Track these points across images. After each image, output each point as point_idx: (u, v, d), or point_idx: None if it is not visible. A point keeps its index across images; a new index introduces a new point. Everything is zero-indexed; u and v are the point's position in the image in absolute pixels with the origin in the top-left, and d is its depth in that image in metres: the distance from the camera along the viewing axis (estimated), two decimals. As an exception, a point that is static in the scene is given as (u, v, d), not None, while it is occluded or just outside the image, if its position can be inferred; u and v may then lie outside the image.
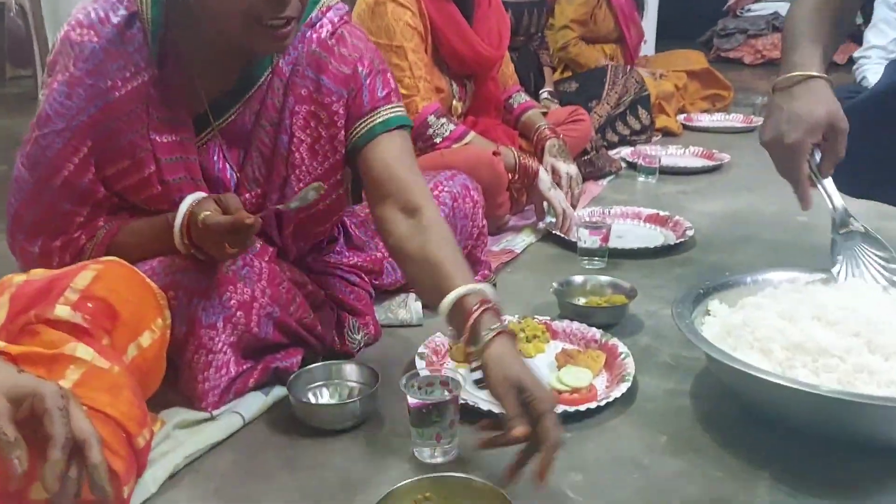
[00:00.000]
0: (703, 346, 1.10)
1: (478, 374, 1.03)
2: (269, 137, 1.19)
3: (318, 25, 1.19)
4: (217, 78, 1.16)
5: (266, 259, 1.19)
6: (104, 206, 1.15)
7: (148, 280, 1.03)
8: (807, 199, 1.24)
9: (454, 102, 2.03)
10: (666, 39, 4.91)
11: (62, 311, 0.90)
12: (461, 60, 1.98)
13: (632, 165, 2.63)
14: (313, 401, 1.16)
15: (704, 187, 2.47)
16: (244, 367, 1.16)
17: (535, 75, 2.87)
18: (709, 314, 1.26)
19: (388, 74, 1.24)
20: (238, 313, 1.12)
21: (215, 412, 1.12)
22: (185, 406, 1.13)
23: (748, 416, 1.13)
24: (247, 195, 1.20)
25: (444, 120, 1.88)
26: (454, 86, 2.03)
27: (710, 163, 2.69)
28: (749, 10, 5.61)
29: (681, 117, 3.37)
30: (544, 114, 2.27)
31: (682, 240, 1.88)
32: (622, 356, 1.27)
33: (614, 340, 1.32)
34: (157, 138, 1.12)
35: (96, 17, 1.08)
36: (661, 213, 2.05)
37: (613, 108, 2.90)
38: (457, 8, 1.96)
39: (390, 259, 1.48)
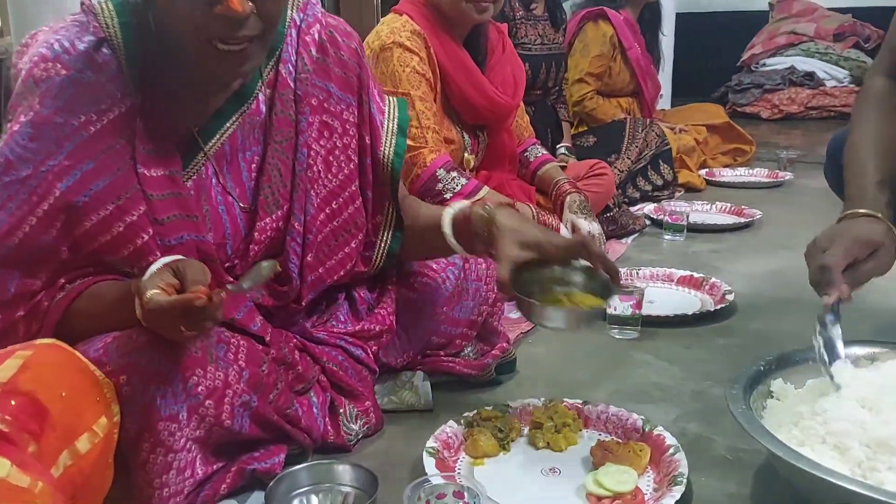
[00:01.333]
0: (765, 440, 0.90)
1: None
2: (287, 153, 1.08)
3: (304, 26, 1.10)
4: (203, 99, 1.02)
5: (254, 328, 1.01)
6: (67, 270, 0.97)
7: (91, 367, 0.84)
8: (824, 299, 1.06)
9: (466, 155, 1.87)
10: (680, 95, 4.82)
11: (-27, 412, 0.71)
12: (473, 109, 1.82)
13: (656, 223, 2.46)
14: (298, 512, 0.95)
15: (737, 245, 2.28)
16: (214, 468, 0.96)
17: (552, 131, 2.71)
18: (771, 397, 1.06)
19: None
20: (207, 402, 0.93)
21: (176, 527, 0.91)
22: (140, 519, 0.92)
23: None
24: (266, 220, 1.07)
25: (454, 174, 1.71)
26: (466, 137, 1.87)
27: (741, 219, 2.51)
28: (764, 65, 5.51)
29: (702, 172, 3.21)
30: (563, 168, 2.09)
31: (723, 305, 1.68)
32: (671, 451, 1.06)
33: (660, 430, 1.11)
34: (146, 172, 0.97)
35: (60, 47, 0.94)
36: (696, 275, 1.86)
37: (634, 163, 2.74)
38: (468, 54, 1.81)
39: (396, 323, 1.29)
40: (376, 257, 1.22)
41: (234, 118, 1.05)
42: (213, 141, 1.04)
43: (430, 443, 1.09)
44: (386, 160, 1.16)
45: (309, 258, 1.11)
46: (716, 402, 1.26)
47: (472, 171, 1.89)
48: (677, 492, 0.97)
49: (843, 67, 5.19)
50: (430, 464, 1.03)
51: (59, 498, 0.72)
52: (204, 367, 0.94)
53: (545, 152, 2.11)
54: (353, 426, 1.14)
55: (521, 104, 2.06)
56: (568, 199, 1.93)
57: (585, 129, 3.05)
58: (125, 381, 0.88)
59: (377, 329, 1.23)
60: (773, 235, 2.37)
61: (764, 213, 2.54)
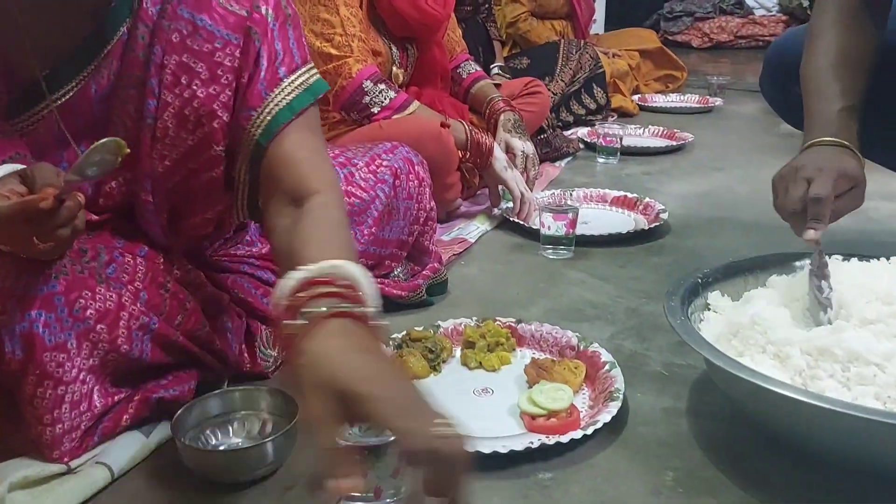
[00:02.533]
0: (704, 350, 0.86)
1: None
2: (134, 103, 0.87)
3: None
4: (53, 35, 0.84)
5: (140, 254, 0.90)
6: None
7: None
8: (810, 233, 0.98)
9: (394, 69, 1.75)
10: (613, 22, 4.76)
11: None
12: (401, 20, 1.70)
13: (590, 146, 2.42)
14: (210, 443, 0.87)
15: (670, 168, 2.26)
16: (115, 398, 0.86)
17: (483, 49, 2.61)
18: (708, 309, 1.03)
19: (300, 23, 0.93)
20: (98, 326, 0.82)
21: (73, 463, 0.82)
22: (33, 456, 0.82)
23: (766, 440, 0.90)
24: (113, 183, 0.90)
25: (382, 86, 1.60)
26: (394, 50, 1.75)
27: (673, 143, 2.49)
28: (696, -7, 5.49)
29: (635, 97, 3.18)
30: (497, 86, 2.00)
31: (656, 224, 1.65)
32: (607, 367, 1.02)
33: (595, 347, 1.07)
34: None
35: None
36: (629, 196, 1.83)
37: (568, 86, 2.67)
38: (396, -42, 1.68)
39: None
40: (236, 219, 0.99)
41: (93, 63, 0.86)
42: (63, 90, 0.85)
43: (356, 365, 1.02)
44: (264, 112, 0.86)
45: (163, 223, 0.94)
46: (651, 319, 1.23)
47: (401, 87, 1.77)
48: (613, 407, 0.93)
49: (772, -4, 5.21)
50: (355, 387, 0.97)
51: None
52: (92, 289, 0.83)
53: (479, 69, 2.01)
54: (271, 352, 1.05)
55: (453, 17, 1.95)
56: (502, 117, 1.84)
57: (518, 50, 2.97)
58: (1, 310, 0.77)
59: None
60: (704, 158, 2.36)
61: (695, 136, 2.54)
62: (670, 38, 5.31)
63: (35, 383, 0.79)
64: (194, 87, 0.85)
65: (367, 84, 1.58)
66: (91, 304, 0.82)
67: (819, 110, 1.08)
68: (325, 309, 0.62)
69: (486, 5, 2.64)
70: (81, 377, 0.82)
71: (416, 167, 1.30)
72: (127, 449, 0.85)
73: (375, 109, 1.58)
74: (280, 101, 0.86)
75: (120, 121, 0.88)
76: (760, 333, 0.89)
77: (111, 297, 0.84)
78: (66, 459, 0.82)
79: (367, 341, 0.62)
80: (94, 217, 0.90)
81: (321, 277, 0.65)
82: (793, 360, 0.84)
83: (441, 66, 1.88)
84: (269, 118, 0.86)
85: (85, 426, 0.83)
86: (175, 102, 0.86)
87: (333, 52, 1.56)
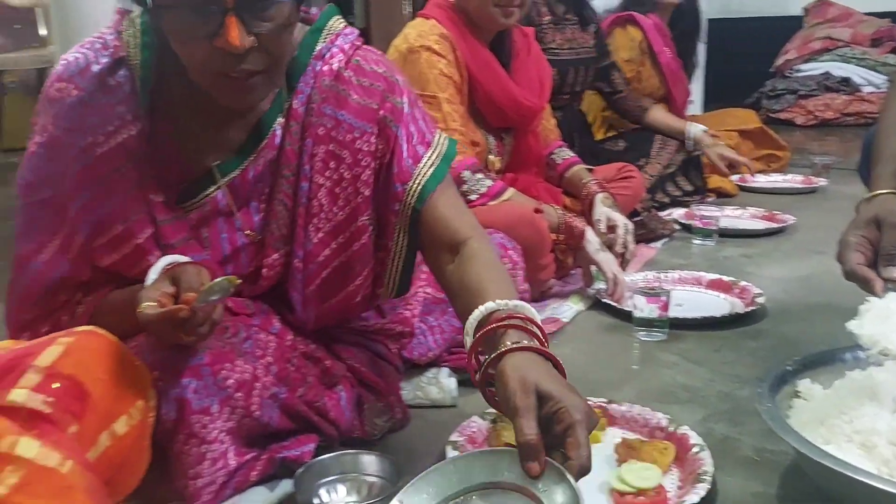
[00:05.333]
0: (790, 437, 0.90)
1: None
2: (291, 187, 1.04)
3: (327, 56, 1.04)
4: (219, 134, 1.02)
5: (273, 331, 1.03)
6: (86, 287, 1.01)
7: (129, 353, 0.87)
8: (873, 287, 1.04)
9: (491, 157, 1.88)
10: (712, 101, 4.78)
11: (18, 395, 0.74)
12: (499, 112, 1.84)
13: (686, 228, 2.44)
14: (324, 499, 0.97)
15: (770, 250, 2.25)
16: (246, 457, 0.98)
17: (579, 135, 2.71)
18: (798, 396, 1.05)
19: (419, 102, 1.13)
20: (237, 395, 0.95)
21: (210, 512, 0.94)
22: (177, 504, 0.95)
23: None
24: (274, 256, 1.05)
25: (480, 175, 1.72)
26: (491, 139, 1.88)
27: (774, 225, 2.48)
28: (798, 71, 5.44)
29: (735, 178, 3.17)
30: (590, 171, 2.09)
31: (752, 308, 1.67)
32: (696, 449, 1.06)
33: (685, 429, 1.11)
34: (154, 198, 0.98)
35: (76, 67, 0.96)
36: (725, 279, 1.85)
37: (664, 168, 2.73)
38: (494, 56, 1.82)
39: (422, 321, 1.31)
40: (386, 292, 1.14)
41: (252, 156, 1.03)
42: (229, 176, 1.02)
43: (454, 436, 1.10)
44: (415, 184, 1.04)
45: (309, 295, 1.07)
46: (743, 404, 1.26)
47: (497, 174, 1.90)
48: (702, 489, 0.97)
49: (880, 73, 5.09)
50: (453, 456, 1.05)
51: (90, 477, 0.74)
52: (233, 361, 0.96)
53: (573, 154, 2.11)
54: (378, 421, 1.16)
55: (548, 107, 2.07)
56: (599, 196, 1.93)
57: (615, 133, 3.04)
58: (158, 377, 0.91)
59: (399, 329, 1.25)
60: (806, 241, 2.34)
61: (797, 218, 2.50)
62: (773, 115, 5.27)
63: (183, 441, 0.92)
64: (341, 171, 1.04)
65: (466, 174, 1.71)
66: (231, 374, 0.95)
67: (877, 167, 1.14)
68: (524, 342, 0.82)
69: (582, 91, 2.75)
70: (220, 438, 0.94)
71: (509, 251, 1.40)
72: (254, 501, 0.97)
73: (473, 197, 1.70)
74: (426, 172, 1.06)
75: (279, 200, 1.04)
76: (846, 423, 0.92)
77: (248, 369, 0.97)
78: (204, 509, 0.94)
79: (549, 367, 0.81)
80: (245, 306, 1.06)
81: (508, 312, 0.85)
82: (878, 450, 0.87)
83: (536, 153, 1.99)
84: (419, 188, 1.05)
85: (221, 481, 0.95)
86: (326, 183, 1.04)
87: (437, 145, 1.70)
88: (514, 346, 0.81)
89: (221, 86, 0.91)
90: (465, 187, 1.70)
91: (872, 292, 1.01)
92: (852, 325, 0.98)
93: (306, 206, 1.04)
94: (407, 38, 1.78)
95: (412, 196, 1.04)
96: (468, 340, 0.88)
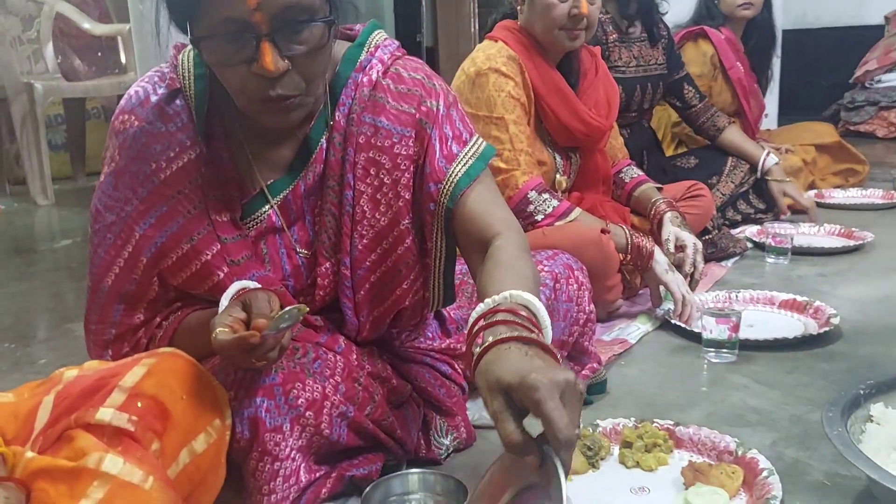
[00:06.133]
0: (860, 462, 0.88)
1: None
2: (336, 196, 1.07)
3: (367, 68, 1.08)
4: (270, 154, 1.08)
5: (338, 350, 1.07)
6: (161, 305, 1.07)
7: (207, 374, 0.92)
8: None
9: (558, 177, 1.89)
10: (788, 114, 4.65)
11: (105, 413, 0.80)
12: (567, 132, 1.85)
13: (759, 246, 2.39)
14: (392, 518, 1.00)
15: (846, 269, 2.18)
16: (316, 475, 1.02)
17: (647, 153, 2.69)
18: (871, 421, 1.03)
19: (460, 105, 1.14)
20: (307, 413, 0.99)
21: (282, 528, 0.98)
22: (250, 520, 0.99)
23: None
24: (326, 265, 1.09)
25: (546, 196, 1.73)
26: (558, 159, 1.89)
27: (851, 242, 2.40)
28: (879, 81, 5.24)
29: (811, 194, 3.09)
30: (659, 189, 2.08)
31: (827, 329, 1.63)
32: (765, 474, 1.05)
33: (754, 453, 1.10)
34: (216, 217, 1.04)
35: (136, 100, 1.04)
36: (799, 299, 1.81)
37: (737, 186, 2.67)
38: (562, 76, 1.84)
39: None
40: (433, 299, 1.15)
41: (301, 173, 1.07)
42: (280, 194, 1.07)
43: (520, 458, 1.11)
44: (447, 183, 1.05)
45: (359, 301, 1.09)
46: (816, 428, 1.22)
47: (564, 193, 1.90)
48: (770, 515, 0.95)
49: (966, 82, 4.87)
50: (519, 478, 1.06)
51: (170, 493, 0.79)
52: (303, 381, 1.00)
53: (640, 173, 2.10)
54: (444, 440, 1.18)
55: (615, 125, 2.07)
56: (668, 215, 1.91)
57: (686, 150, 3.00)
58: (233, 397, 0.96)
59: (463, 348, 1.27)
60: (884, 259, 2.26)
61: (876, 235, 2.42)
62: (852, 128, 5.09)
63: (257, 459, 0.96)
64: (381, 176, 1.06)
65: (532, 194, 1.72)
66: (302, 393, 0.99)
67: None
68: (504, 334, 0.78)
69: (651, 109, 2.73)
70: (292, 455, 0.98)
71: (575, 272, 1.40)
72: (324, 519, 1.00)
73: (539, 217, 1.72)
74: (459, 171, 1.06)
75: (327, 210, 1.08)
76: (922, 448, 0.90)
77: (317, 388, 1.01)
78: (277, 524, 0.98)
79: (531, 351, 0.76)
80: (309, 317, 1.09)
81: (497, 307, 0.83)
82: (954, 478, 0.84)
83: (603, 172, 1.99)
84: (452, 187, 1.05)
85: (293, 497, 0.99)
86: (368, 190, 1.06)
87: (503, 165, 1.73)
88: (483, 347, 0.78)
89: (260, 108, 0.95)
90: (531, 207, 1.72)
91: None
92: None
93: (350, 214, 1.06)
94: (475, 61, 1.82)
95: (445, 196, 1.05)
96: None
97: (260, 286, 0.99)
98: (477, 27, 5.54)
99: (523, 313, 0.82)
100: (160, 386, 0.85)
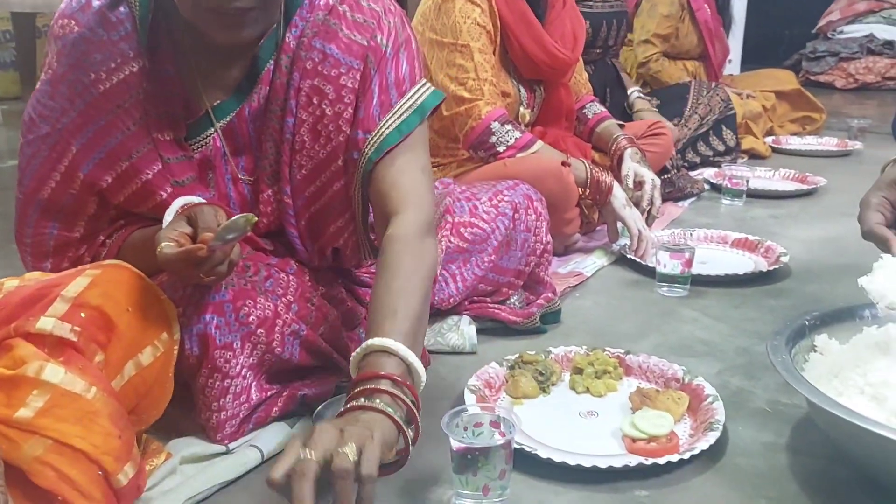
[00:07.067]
0: (802, 387, 0.90)
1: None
2: (278, 121, 1.02)
3: None
4: (218, 72, 1.02)
5: (290, 271, 1.05)
6: (102, 222, 1.03)
7: (155, 287, 0.90)
8: (890, 246, 1.04)
9: (521, 109, 1.87)
10: (751, 62, 4.67)
11: (46, 323, 0.77)
12: (532, 63, 1.82)
13: (716, 187, 2.43)
14: (343, 436, 1.00)
15: (797, 212, 2.23)
16: (268, 393, 1.01)
17: (611, 90, 2.68)
18: (814, 351, 1.06)
19: (413, 45, 1.06)
20: (258, 331, 0.97)
21: (231, 445, 0.97)
22: (200, 437, 0.98)
23: (862, 480, 0.92)
24: (268, 192, 1.05)
25: (509, 127, 1.71)
26: (522, 91, 1.86)
27: (804, 186, 2.45)
28: (841, 33, 5.29)
29: (769, 139, 3.13)
30: (621, 126, 2.08)
31: (776, 267, 1.66)
32: (709, 399, 1.07)
33: (700, 380, 1.12)
34: (159, 136, 0.99)
35: (77, 4, 0.98)
36: (751, 238, 1.84)
37: (697, 129, 2.69)
38: (529, 6, 1.80)
39: (445, 268, 1.32)
40: (362, 248, 1.11)
41: (249, 95, 1.02)
42: (226, 119, 1.03)
43: (472, 380, 1.12)
44: (377, 135, 0.99)
45: (302, 230, 1.07)
46: (761, 359, 1.26)
47: (527, 126, 1.88)
48: (712, 437, 0.98)
49: (927, 35, 4.93)
50: (470, 399, 1.07)
51: (114, 403, 0.77)
52: (254, 299, 0.98)
53: (603, 109, 2.09)
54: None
55: (580, 60, 2.05)
56: (628, 151, 1.91)
57: (649, 90, 3.00)
58: (182, 313, 0.93)
59: None
60: (835, 203, 2.31)
61: (828, 181, 2.48)
62: (812, 78, 5.14)
63: (207, 376, 0.95)
64: (324, 106, 1.00)
65: (495, 125, 1.70)
66: (253, 311, 0.97)
67: None
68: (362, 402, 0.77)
69: (615, 47, 2.71)
70: (243, 373, 0.97)
71: (534, 203, 1.40)
72: (275, 436, 1.00)
73: (501, 148, 1.70)
74: (392, 124, 1.00)
75: (268, 136, 1.03)
76: (860, 375, 0.92)
77: (269, 306, 0.99)
78: (226, 442, 0.97)
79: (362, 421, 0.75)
80: (258, 240, 1.07)
81: (373, 373, 0.80)
82: (889, 402, 0.87)
83: (567, 106, 1.97)
84: (380, 140, 0.99)
85: (243, 415, 0.98)
86: (309, 119, 1.01)
87: (466, 95, 1.70)
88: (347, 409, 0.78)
89: (213, 21, 0.89)
90: (493, 138, 1.70)
91: (889, 251, 1.01)
92: (863, 281, 0.99)
93: (290, 142, 1.01)
94: (442, -15, 1.76)
95: (371, 147, 0.99)
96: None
97: (205, 200, 0.96)
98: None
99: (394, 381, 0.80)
100: (105, 297, 0.82)
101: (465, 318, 1.35)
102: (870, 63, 5.08)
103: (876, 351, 0.96)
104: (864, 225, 1.07)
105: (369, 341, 0.82)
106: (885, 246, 1.04)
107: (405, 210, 0.96)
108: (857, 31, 5.20)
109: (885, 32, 5.07)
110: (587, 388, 1.16)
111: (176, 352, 0.90)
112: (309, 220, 1.07)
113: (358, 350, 0.83)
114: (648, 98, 2.59)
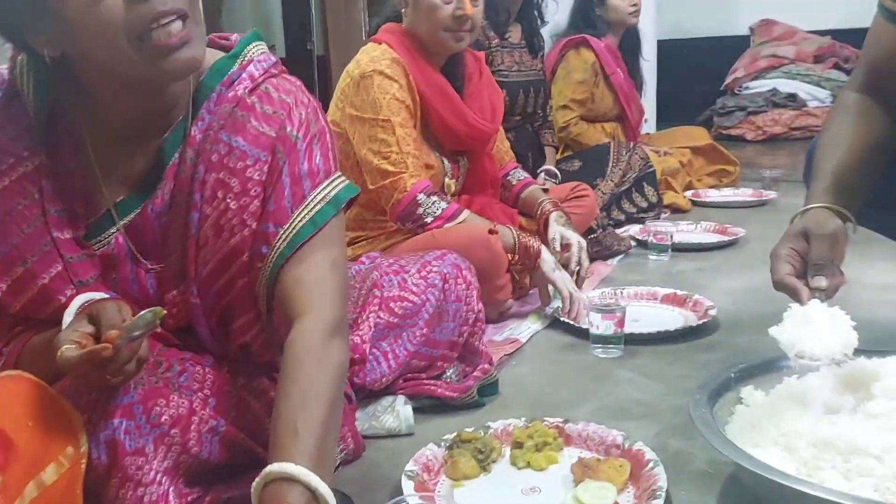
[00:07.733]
0: (715, 440, 0.91)
1: None
2: (183, 217, 0.97)
3: (235, 83, 0.98)
4: (121, 167, 0.97)
5: (207, 364, 0.99)
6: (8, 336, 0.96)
7: (57, 396, 0.83)
8: (799, 296, 1.06)
9: (446, 180, 1.88)
10: (665, 120, 4.86)
11: (-66, 444, 0.70)
12: (453, 135, 1.84)
13: (642, 244, 2.47)
14: (273, 538, 0.93)
15: (721, 263, 2.28)
16: (188, 499, 0.94)
17: (533, 155, 2.74)
18: (741, 403, 1.06)
19: (327, 137, 1.02)
20: (172, 431, 0.91)
21: (151, 561, 0.90)
22: (115, 553, 0.90)
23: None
24: (174, 292, 1.00)
25: (435, 198, 1.71)
26: (446, 163, 1.88)
27: (725, 238, 2.53)
28: (747, 88, 5.58)
29: (688, 193, 3.23)
30: (545, 191, 2.11)
31: (705, 321, 1.68)
32: (650, 465, 1.06)
33: (639, 445, 1.11)
34: (59, 234, 0.93)
35: None
36: (679, 293, 1.87)
37: (618, 186, 2.76)
38: (446, 80, 1.83)
39: (375, 346, 1.28)
40: (273, 349, 1.03)
41: (154, 192, 0.97)
42: (129, 216, 0.98)
43: (410, 466, 1.08)
44: (289, 229, 0.95)
45: (213, 327, 1.02)
46: (698, 417, 1.25)
47: (453, 196, 1.89)
48: (655, 505, 0.96)
49: (824, 88, 5.25)
50: (408, 486, 1.03)
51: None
52: (166, 397, 0.92)
53: (527, 175, 2.12)
54: (330, 452, 1.12)
55: (501, 129, 2.08)
56: (553, 215, 1.94)
57: (571, 153, 3.08)
58: (87, 420, 0.86)
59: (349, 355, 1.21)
60: (756, 252, 2.37)
61: (748, 231, 2.55)
62: (724, 132, 5.38)
63: (118, 486, 0.87)
64: (228, 200, 0.95)
65: (421, 196, 1.70)
66: (165, 410, 0.91)
67: (812, 184, 1.18)
68: None
69: (540, 114, 2.78)
70: (158, 479, 0.90)
71: (463, 272, 1.39)
72: (198, 545, 0.93)
73: (428, 219, 1.70)
74: (305, 216, 0.96)
75: (173, 232, 0.98)
76: (774, 426, 0.94)
77: (183, 403, 0.93)
78: (145, 558, 0.89)
79: None
80: (164, 331, 1.01)
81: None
82: (799, 452, 0.88)
83: (491, 175, 2.00)
84: (293, 233, 0.95)
85: (162, 524, 0.91)
86: (213, 214, 0.96)
87: (390, 168, 1.70)
88: None
89: (148, 50, 0.84)
90: (420, 210, 1.70)
91: (799, 301, 1.04)
92: (773, 331, 1.02)
93: (196, 237, 0.96)
94: (359, 63, 1.78)
95: (283, 241, 0.94)
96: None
97: (107, 296, 0.90)
98: (368, 35, 5.50)
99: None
100: (1, 412, 0.76)
101: (401, 399, 1.30)
102: (776, 115, 5.35)
103: (790, 401, 0.98)
104: (775, 276, 1.10)
105: (269, 468, 0.77)
106: (795, 296, 1.06)
107: (308, 312, 0.91)
108: (762, 86, 5.48)
109: (786, 86, 5.36)
110: (528, 462, 1.13)
111: (84, 466, 0.83)
112: (219, 317, 1.02)
113: (258, 479, 0.77)
114: (554, 181, 2.64)
